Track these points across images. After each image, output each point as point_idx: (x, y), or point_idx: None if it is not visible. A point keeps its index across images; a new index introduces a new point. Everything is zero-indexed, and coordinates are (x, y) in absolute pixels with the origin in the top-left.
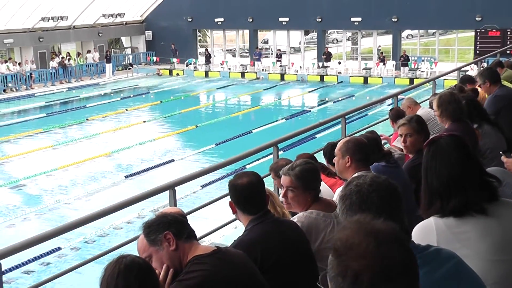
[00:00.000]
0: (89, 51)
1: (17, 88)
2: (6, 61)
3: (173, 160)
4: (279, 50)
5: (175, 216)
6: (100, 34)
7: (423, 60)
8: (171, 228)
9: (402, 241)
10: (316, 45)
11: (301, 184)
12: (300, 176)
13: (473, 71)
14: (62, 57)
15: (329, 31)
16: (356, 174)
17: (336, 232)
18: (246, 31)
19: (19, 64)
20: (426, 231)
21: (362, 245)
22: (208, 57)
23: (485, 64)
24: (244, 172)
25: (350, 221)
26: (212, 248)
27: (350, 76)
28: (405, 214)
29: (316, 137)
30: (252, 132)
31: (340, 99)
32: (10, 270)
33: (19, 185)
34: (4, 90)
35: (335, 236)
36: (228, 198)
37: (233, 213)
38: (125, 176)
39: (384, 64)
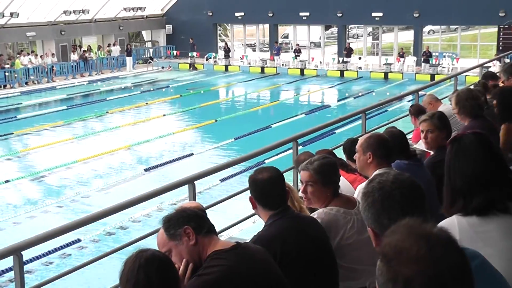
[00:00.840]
0: (114, 44)
1: (38, 80)
2: (28, 54)
3: (192, 154)
4: (298, 45)
5: (194, 211)
6: (121, 28)
7: (444, 56)
8: (190, 222)
9: (455, 243)
10: (336, 40)
11: (320, 179)
12: (318, 170)
13: (495, 67)
14: (84, 50)
15: (349, 26)
16: (377, 171)
17: (384, 237)
18: (266, 26)
19: (41, 57)
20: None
21: (413, 250)
22: (227, 51)
23: (507, 60)
24: (264, 167)
25: (398, 225)
26: (232, 244)
27: (370, 72)
28: (428, 213)
29: (335, 133)
30: (271, 126)
31: (360, 94)
32: (31, 260)
33: (39, 177)
34: (26, 83)
35: (383, 241)
36: (247, 193)
37: (253, 208)
38: (144, 169)
39: (403, 59)
